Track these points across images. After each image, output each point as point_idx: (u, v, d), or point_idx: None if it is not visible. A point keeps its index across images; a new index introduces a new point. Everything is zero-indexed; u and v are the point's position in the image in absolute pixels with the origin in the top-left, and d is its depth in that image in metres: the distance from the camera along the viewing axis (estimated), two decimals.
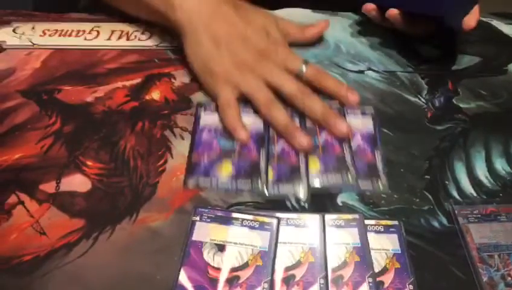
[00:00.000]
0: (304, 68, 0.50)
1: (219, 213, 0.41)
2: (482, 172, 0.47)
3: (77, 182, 0.43)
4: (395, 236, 0.40)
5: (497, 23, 0.64)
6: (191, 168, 0.45)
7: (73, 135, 0.47)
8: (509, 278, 0.38)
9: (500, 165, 0.47)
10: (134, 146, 0.47)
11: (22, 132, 0.47)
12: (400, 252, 0.39)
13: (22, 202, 0.42)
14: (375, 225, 0.41)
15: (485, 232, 0.41)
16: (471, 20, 0.53)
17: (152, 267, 0.38)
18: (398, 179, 0.45)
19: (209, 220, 0.41)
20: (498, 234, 0.41)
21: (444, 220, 0.42)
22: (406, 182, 0.45)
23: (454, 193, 0.45)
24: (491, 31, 0.63)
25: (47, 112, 0.49)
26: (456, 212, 0.43)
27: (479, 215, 0.42)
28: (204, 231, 0.40)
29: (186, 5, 0.50)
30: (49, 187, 0.43)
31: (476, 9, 0.54)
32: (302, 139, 0.45)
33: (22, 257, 0.38)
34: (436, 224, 0.42)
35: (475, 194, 0.45)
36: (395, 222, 0.41)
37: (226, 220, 0.41)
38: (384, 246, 0.40)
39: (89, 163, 0.45)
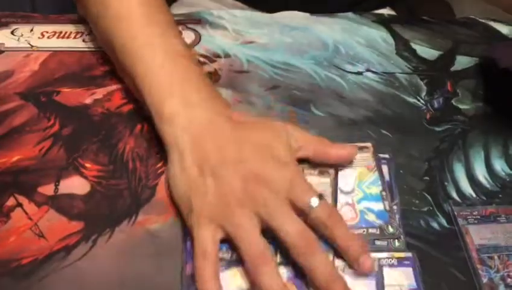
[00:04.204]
0: (315, 204, 0.37)
1: None
2: (481, 173, 0.47)
3: (76, 185, 0.43)
4: (409, 270, 0.38)
5: (496, 24, 0.64)
6: (188, 283, 0.37)
7: (71, 137, 0.47)
8: (509, 279, 0.38)
9: (499, 166, 0.47)
10: (133, 148, 0.46)
11: (21, 134, 0.47)
12: (416, 287, 0.37)
13: (20, 205, 0.42)
14: (387, 258, 0.38)
15: (485, 233, 0.41)
16: None
17: (151, 270, 0.38)
18: (397, 181, 0.45)
19: None
20: (497, 235, 0.41)
21: (444, 222, 0.42)
22: (405, 183, 0.45)
23: (454, 194, 0.45)
24: (490, 31, 0.63)
25: (45, 114, 0.49)
26: (455, 213, 0.43)
27: (479, 217, 0.42)
28: None
29: (177, 120, 0.41)
30: (47, 190, 0.43)
31: None
32: None
33: (20, 260, 0.38)
34: (435, 225, 0.42)
35: (474, 195, 0.45)
36: (409, 254, 0.39)
37: None
38: (399, 281, 0.37)
39: (88, 165, 0.45)
